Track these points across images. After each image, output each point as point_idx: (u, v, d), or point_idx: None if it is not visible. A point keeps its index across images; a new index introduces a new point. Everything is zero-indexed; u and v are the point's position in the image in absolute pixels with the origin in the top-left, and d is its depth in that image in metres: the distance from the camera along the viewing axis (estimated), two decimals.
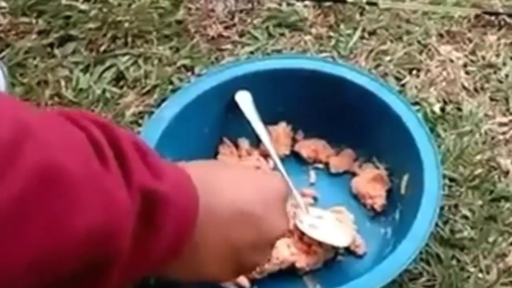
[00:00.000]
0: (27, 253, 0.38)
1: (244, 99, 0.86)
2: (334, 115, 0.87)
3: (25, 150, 0.37)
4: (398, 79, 0.96)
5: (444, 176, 0.81)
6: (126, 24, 0.97)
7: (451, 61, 0.98)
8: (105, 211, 0.41)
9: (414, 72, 0.97)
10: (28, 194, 0.37)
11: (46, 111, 0.46)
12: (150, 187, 0.45)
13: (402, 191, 0.81)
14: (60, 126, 0.43)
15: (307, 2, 1.04)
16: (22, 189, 0.37)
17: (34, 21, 0.97)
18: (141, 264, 0.46)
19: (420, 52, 0.99)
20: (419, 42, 1.00)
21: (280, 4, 1.03)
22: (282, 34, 1.01)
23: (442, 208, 0.79)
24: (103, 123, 0.46)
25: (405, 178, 0.81)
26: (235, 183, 0.57)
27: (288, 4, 1.03)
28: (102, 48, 0.95)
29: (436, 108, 0.92)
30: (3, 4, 0.99)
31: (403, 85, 0.95)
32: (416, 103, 0.92)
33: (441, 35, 1.01)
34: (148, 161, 0.46)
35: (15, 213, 0.37)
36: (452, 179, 0.84)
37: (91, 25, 0.97)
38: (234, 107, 0.85)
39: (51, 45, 0.95)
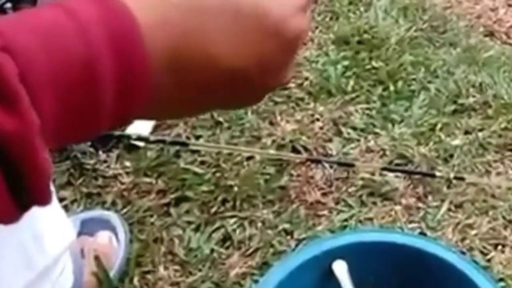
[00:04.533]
0: None
1: (340, 268, 0.94)
2: (421, 287, 0.93)
3: None
4: (483, 253, 1.03)
5: None
6: (236, 189, 1.08)
7: None
8: None
9: (499, 247, 1.03)
10: None
11: None
12: None
13: None
14: None
15: (398, 174, 1.13)
16: None
17: (154, 181, 1.10)
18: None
19: (505, 228, 1.06)
20: (503, 217, 1.07)
21: (373, 174, 1.13)
22: (374, 203, 1.10)
23: None
24: None
25: None
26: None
27: (381, 175, 1.13)
28: (212, 210, 1.06)
29: None
30: (128, 164, 1.12)
31: (488, 260, 1.01)
32: (502, 280, 0.98)
33: None
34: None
35: None
36: None
37: (205, 187, 1.08)
38: (330, 274, 0.93)
39: (167, 204, 1.07)
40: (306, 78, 1.31)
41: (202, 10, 0.39)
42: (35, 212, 0.71)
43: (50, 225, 0.77)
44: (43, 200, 0.34)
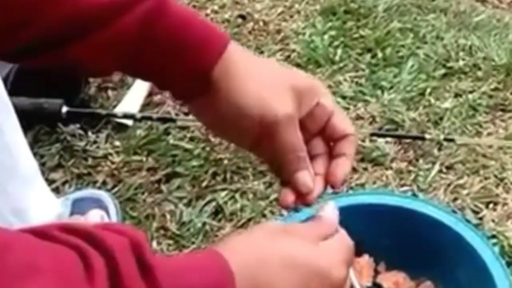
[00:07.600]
0: None
1: None
2: (414, 248, 0.93)
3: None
4: (475, 212, 1.02)
5: None
6: (226, 161, 1.09)
7: None
8: None
9: (491, 205, 1.03)
10: None
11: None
12: None
13: None
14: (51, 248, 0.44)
15: (388, 139, 1.13)
16: None
17: (144, 159, 1.10)
18: None
19: (497, 186, 1.06)
20: (495, 176, 1.07)
21: (363, 141, 1.13)
22: (365, 169, 1.10)
23: None
24: (91, 233, 0.45)
25: None
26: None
27: (371, 141, 1.13)
28: (203, 184, 1.06)
29: None
30: (117, 143, 1.13)
31: (480, 218, 1.01)
32: (493, 236, 0.98)
33: None
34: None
35: None
36: None
37: (195, 162, 1.09)
38: None
39: (158, 181, 1.07)
40: (294, 50, 1.30)
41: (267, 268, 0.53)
42: (12, 188, 0.73)
43: (32, 200, 0.78)
44: None
